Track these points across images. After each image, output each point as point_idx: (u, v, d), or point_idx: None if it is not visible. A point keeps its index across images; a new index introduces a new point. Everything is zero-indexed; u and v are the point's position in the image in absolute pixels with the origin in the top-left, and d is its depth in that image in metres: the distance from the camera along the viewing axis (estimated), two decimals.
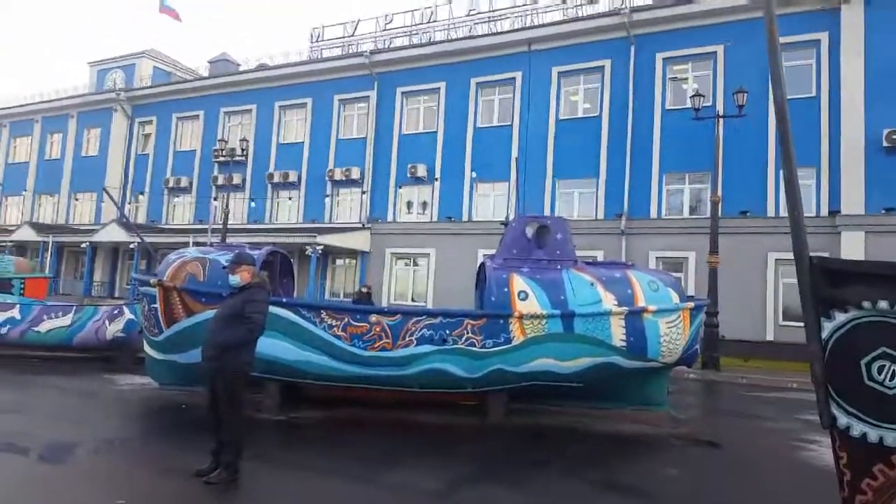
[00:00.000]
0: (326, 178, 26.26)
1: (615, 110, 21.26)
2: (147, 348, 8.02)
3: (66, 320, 11.31)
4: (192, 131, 30.96)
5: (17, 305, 11.53)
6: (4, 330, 11.25)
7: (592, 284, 7.55)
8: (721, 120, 15.76)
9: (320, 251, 23.40)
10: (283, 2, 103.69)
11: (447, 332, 7.27)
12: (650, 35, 20.97)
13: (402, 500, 4.81)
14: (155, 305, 7.55)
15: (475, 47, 23.85)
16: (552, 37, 22.51)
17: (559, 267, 7.86)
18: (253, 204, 27.74)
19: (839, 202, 17.91)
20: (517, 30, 23.82)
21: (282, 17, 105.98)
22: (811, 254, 2.69)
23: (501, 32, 24.08)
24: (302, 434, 6.90)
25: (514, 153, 21.84)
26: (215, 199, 28.13)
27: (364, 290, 18.20)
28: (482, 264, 8.85)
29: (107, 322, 11.33)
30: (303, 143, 27.33)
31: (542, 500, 4.89)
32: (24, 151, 36.59)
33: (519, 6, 25.17)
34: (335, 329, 7.29)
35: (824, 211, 17.95)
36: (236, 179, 27.35)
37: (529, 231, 8.15)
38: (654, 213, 20.46)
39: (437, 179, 23.95)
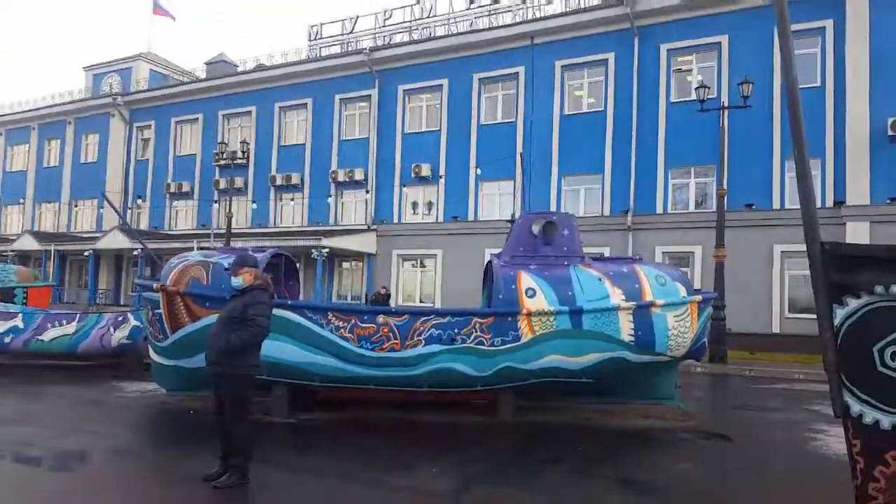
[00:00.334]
0: (329, 180, 26.22)
1: (620, 104, 21.15)
2: (153, 354, 8.00)
3: (70, 328, 11.28)
4: (192, 135, 30.92)
5: (21, 314, 11.54)
6: (8, 339, 11.26)
7: (600, 280, 7.52)
8: (726, 112, 15.66)
9: (326, 254, 23.38)
10: (279, 0, 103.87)
11: (455, 331, 7.24)
12: (654, 26, 20.79)
13: (413, 502, 4.77)
14: (159, 311, 7.53)
15: (476, 42, 23.70)
16: (554, 29, 22.34)
17: (566, 263, 7.82)
18: (255, 206, 27.69)
19: (844, 193, 17.83)
20: (519, 23, 23.62)
21: (279, 17, 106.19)
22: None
23: (503, 26, 23.85)
24: (311, 437, 6.89)
25: (519, 149, 21.75)
26: (216, 201, 28.12)
27: (382, 291, 18.24)
28: (489, 262, 8.82)
29: (111, 329, 11.29)
30: (304, 144, 27.27)
31: (555, 499, 4.86)
32: (22, 160, 36.56)
33: None
34: (342, 331, 7.26)
35: (829, 201, 17.85)
36: (238, 183, 27.31)
37: (536, 228, 8.10)
38: (660, 209, 20.38)
39: (441, 177, 23.88)
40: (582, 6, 22.95)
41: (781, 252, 18.16)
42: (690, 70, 20.61)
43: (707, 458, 6.52)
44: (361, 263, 25.37)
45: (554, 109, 22.27)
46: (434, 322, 7.29)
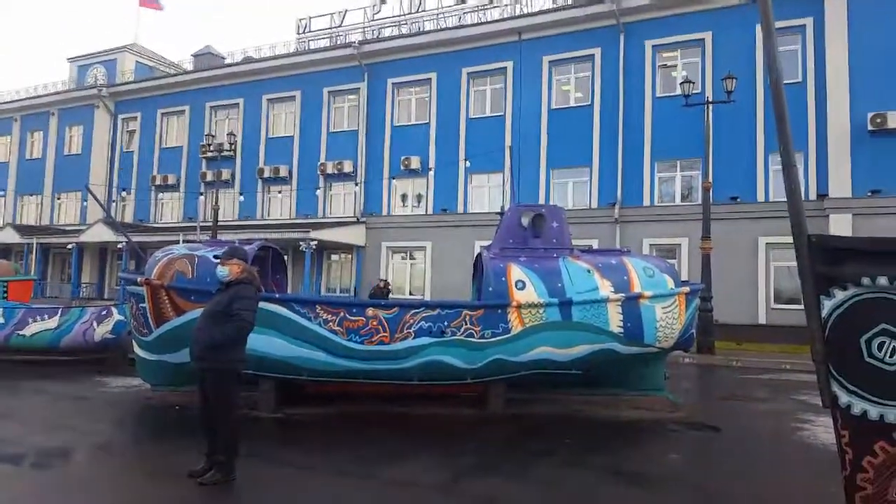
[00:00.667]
0: (318, 172, 26.09)
1: (606, 99, 21.30)
2: (137, 349, 7.90)
3: (53, 323, 11.08)
4: (178, 127, 30.60)
5: (1, 309, 11.29)
6: None
7: (589, 272, 7.53)
8: (710, 106, 15.78)
9: (314, 247, 23.27)
10: None
11: (445, 323, 7.22)
12: (639, 22, 21.00)
13: (405, 495, 4.75)
14: (143, 305, 7.44)
15: (465, 37, 23.73)
16: (542, 25, 22.45)
17: (556, 255, 7.83)
18: (242, 198, 27.48)
19: (826, 186, 18.08)
20: (507, 18, 23.76)
21: (267, 9, 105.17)
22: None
23: (491, 22, 23.96)
24: (299, 431, 6.84)
25: (508, 143, 21.83)
26: (201, 194, 27.87)
27: (381, 284, 18.05)
28: (479, 255, 8.81)
29: (95, 324, 11.12)
30: (292, 136, 27.11)
31: (548, 490, 4.86)
32: (4, 151, 35.96)
33: None
34: (331, 324, 7.22)
35: (812, 195, 18.06)
36: (225, 175, 27.07)
37: (525, 220, 8.10)
38: (647, 201, 20.54)
39: (430, 169, 23.85)
40: (569, 3, 23.05)
41: (766, 244, 18.37)
42: (675, 66, 20.77)
43: (697, 449, 6.57)
44: (350, 256, 25.30)
45: (542, 104, 22.35)
46: (424, 315, 7.26)
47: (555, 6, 23.35)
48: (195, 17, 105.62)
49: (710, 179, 15.65)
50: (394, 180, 24.77)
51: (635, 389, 8.09)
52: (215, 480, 4.64)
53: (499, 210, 16.21)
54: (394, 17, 27.47)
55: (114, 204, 31.67)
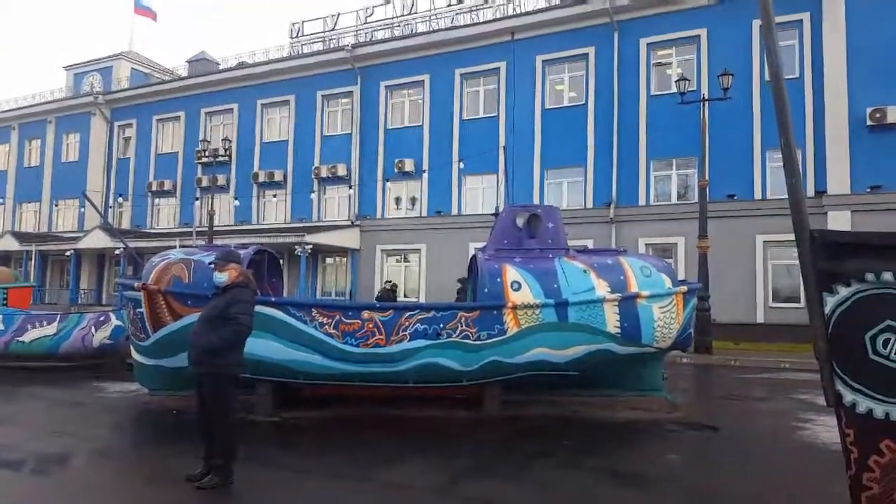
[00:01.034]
0: (312, 176, 26.05)
1: (601, 98, 21.25)
2: (135, 354, 7.87)
3: (51, 329, 11.06)
4: (174, 133, 30.60)
5: (0, 315, 11.29)
6: None
7: (585, 272, 7.48)
8: (706, 104, 15.74)
9: (309, 250, 23.22)
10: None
11: (441, 325, 7.17)
12: (633, 20, 20.95)
13: (401, 498, 4.71)
14: (141, 310, 7.40)
15: (458, 38, 23.72)
16: (535, 25, 22.42)
17: (551, 256, 7.79)
18: (237, 202, 27.42)
19: (825, 182, 18.02)
20: (499, 19, 23.71)
21: (260, 14, 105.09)
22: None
23: (484, 22, 23.93)
24: (295, 435, 6.79)
25: (502, 143, 21.77)
26: (197, 199, 27.81)
27: (388, 285, 17.96)
28: (474, 256, 8.77)
29: (93, 329, 11.09)
30: (287, 140, 27.09)
31: (545, 492, 4.82)
32: (2, 160, 36.04)
33: None
34: (326, 327, 7.17)
35: (811, 191, 18.02)
36: (221, 180, 27.03)
37: (520, 221, 8.06)
38: (642, 200, 20.50)
39: (424, 171, 23.82)
40: (561, 2, 23.01)
41: (764, 242, 18.33)
42: (670, 63, 20.74)
43: (695, 449, 6.53)
44: (345, 259, 25.24)
45: (536, 104, 22.33)
46: (419, 317, 7.21)
47: (548, 5, 23.34)
48: (190, 23, 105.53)
49: (707, 177, 15.61)
50: (388, 183, 24.75)
51: (633, 390, 8.05)
52: (213, 484, 4.61)
53: (493, 211, 16.16)
54: (386, 19, 27.49)
55: (111, 210, 31.65)
